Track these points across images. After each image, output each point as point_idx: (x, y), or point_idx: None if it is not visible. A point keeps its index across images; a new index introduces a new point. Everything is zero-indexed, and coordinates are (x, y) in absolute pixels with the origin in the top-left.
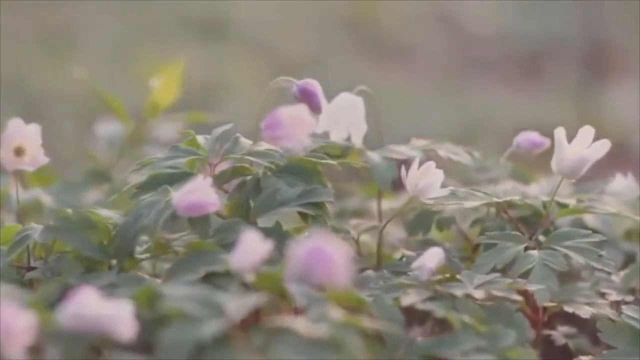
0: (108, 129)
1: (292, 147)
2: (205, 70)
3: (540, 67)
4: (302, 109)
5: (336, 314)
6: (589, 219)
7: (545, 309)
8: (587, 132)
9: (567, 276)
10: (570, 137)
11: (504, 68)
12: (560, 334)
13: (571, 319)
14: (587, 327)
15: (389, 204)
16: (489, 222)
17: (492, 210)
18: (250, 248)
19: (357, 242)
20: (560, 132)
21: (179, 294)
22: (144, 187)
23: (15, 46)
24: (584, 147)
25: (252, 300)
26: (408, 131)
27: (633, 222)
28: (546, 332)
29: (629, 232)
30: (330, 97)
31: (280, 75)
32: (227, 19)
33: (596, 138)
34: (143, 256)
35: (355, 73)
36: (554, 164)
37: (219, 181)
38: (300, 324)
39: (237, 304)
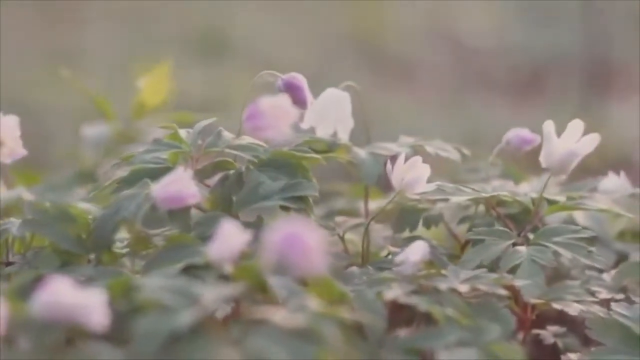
0: (95, 130)
1: (274, 138)
2: (207, 87)
3: (542, 82)
4: (284, 100)
5: (315, 304)
6: (580, 218)
7: (533, 306)
8: (576, 126)
9: (557, 275)
10: None
11: (506, 83)
12: (549, 333)
13: (561, 319)
14: (576, 326)
15: (377, 204)
16: (477, 219)
17: (481, 208)
18: (229, 239)
19: (342, 239)
20: (549, 126)
21: (155, 284)
22: (125, 182)
23: (19, 63)
24: (573, 141)
25: (229, 290)
26: None
27: (627, 222)
28: (535, 331)
29: (622, 233)
30: None
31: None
32: (228, 36)
33: (597, 151)
34: (123, 251)
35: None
36: (542, 158)
37: (201, 175)
38: (278, 315)
39: (213, 294)
